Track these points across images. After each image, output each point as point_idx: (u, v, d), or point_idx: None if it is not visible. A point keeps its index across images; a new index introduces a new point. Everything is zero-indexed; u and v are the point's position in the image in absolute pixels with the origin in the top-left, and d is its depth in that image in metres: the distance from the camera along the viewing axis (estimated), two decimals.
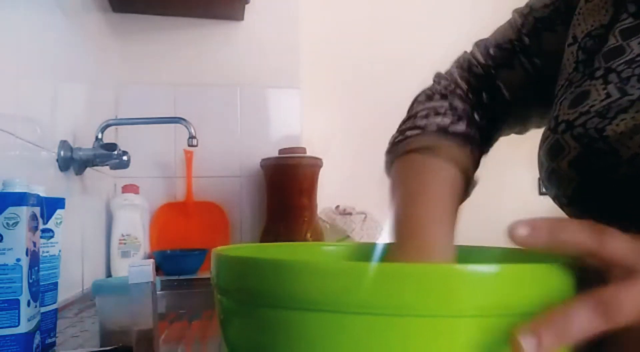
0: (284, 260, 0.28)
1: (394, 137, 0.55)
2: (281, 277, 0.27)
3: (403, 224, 0.46)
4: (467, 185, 0.52)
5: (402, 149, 0.53)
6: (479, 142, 0.54)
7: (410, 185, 0.49)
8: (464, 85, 0.59)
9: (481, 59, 0.60)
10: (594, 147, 0.43)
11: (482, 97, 0.58)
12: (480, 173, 0.55)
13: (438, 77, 0.61)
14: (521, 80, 0.57)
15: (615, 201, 0.44)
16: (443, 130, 0.52)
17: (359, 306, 0.25)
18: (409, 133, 0.53)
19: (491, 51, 0.59)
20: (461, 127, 0.53)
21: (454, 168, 0.50)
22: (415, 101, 0.59)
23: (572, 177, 0.46)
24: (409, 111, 0.58)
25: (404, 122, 0.57)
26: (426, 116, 0.54)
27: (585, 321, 0.26)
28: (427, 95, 0.58)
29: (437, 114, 0.54)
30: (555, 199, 0.51)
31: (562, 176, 0.47)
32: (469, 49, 0.62)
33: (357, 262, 0.27)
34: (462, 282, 0.25)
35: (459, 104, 0.56)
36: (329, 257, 0.49)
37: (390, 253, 0.45)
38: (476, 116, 0.56)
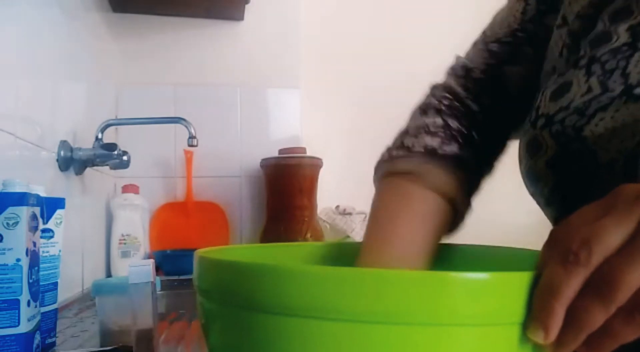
0: (262, 264, 0.27)
1: (382, 155, 0.52)
2: (260, 281, 0.26)
3: (366, 250, 0.46)
4: (455, 214, 0.48)
5: (384, 171, 0.50)
6: (475, 163, 0.50)
7: (382, 214, 0.48)
8: (462, 93, 0.54)
9: (480, 60, 0.55)
10: (572, 148, 0.41)
11: (483, 102, 0.53)
12: (479, 197, 0.51)
13: (434, 88, 0.56)
14: (529, 75, 0.52)
15: None
16: (431, 152, 0.48)
17: (339, 312, 0.24)
18: (394, 153, 0.50)
19: (492, 47, 0.54)
20: (452, 148, 0.49)
21: (436, 197, 0.46)
22: (411, 116, 0.55)
23: (549, 178, 0.44)
24: (404, 126, 0.54)
25: (395, 138, 0.53)
26: (415, 134, 0.50)
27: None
28: (422, 110, 0.54)
29: (428, 132, 0.50)
30: (534, 196, 0.49)
31: (539, 175, 0.45)
32: (462, 53, 0.58)
33: (339, 267, 0.26)
34: (447, 289, 0.24)
35: (453, 122, 0.51)
36: (319, 257, 0.48)
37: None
38: (474, 134, 0.51)
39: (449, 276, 0.24)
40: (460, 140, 0.50)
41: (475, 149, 0.50)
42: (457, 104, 0.53)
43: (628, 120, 0.37)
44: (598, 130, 0.39)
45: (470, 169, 0.49)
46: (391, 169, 0.49)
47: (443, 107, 0.53)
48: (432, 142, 0.49)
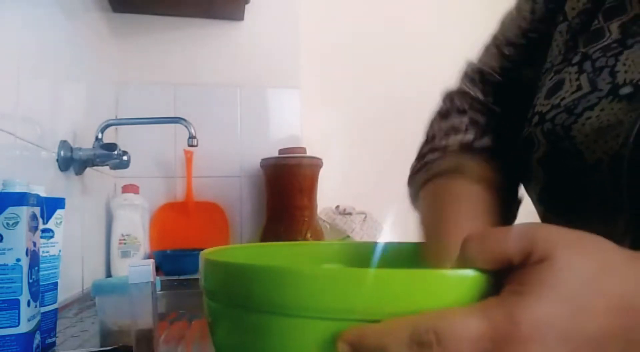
0: (267, 266, 0.27)
1: (414, 166, 0.51)
2: (265, 283, 0.26)
3: (431, 242, 0.40)
4: (505, 203, 0.46)
5: (423, 178, 0.48)
6: (510, 154, 0.48)
7: (432, 215, 0.43)
8: (481, 97, 0.53)
9: (495, 64, 0.54)
10: (561, 147, 0.40)
11: (504, 105, 0.52)
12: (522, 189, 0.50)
13: (450, 94, 0.55)
14: None
15: (581, 207, 0.40)
16: (466, 147, 0.48)
17: (345, 312, 0.24)
18: (428, 158, 0.49)
19: (505, 51, 0.53)
20: (486, 141, 0.48)
21: (483, 188, 0.44)
22: (430, 124, 0.54)
23: (540, 176, 0.43)
24: (425, 135, 0.53)
25: (422, 146, 0.52)
26: (445, 136, 0.49)
27: None
28: (442, 115, 0.53)
29: (458, 131, 0.49)
30: (527, 192, 0.48)
31: (532, 172, 0.44)
32: (472, 56, 0.57)
33: (343, 268, 0.25)
34: (441, 286, 0.24)
35: (480, 117, 0.50)
36: (322, 257, 0.47)
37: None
38: (501, 130, 0.50)
39: (446, 274, 0.24)
40: (491, 134, 0.49)
41: (506, 141, 0.49)
42: (479, 105, 0.53)
43: (612, 120, 0.37)
44: (585, 129, 0.38)
45: (507, 159, 0.48)
46: (430, 174, 0.47)
47: (466, 108, 0.52)
48: (465, 138, 0.48)
